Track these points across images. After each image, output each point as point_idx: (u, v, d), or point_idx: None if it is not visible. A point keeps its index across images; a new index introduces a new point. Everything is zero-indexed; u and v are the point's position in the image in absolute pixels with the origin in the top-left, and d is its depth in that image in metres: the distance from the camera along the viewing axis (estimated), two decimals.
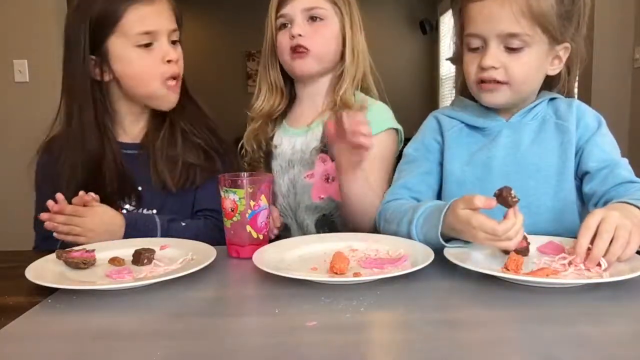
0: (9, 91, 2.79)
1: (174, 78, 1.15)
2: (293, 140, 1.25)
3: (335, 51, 1.22)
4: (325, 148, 1.20)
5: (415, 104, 5.47)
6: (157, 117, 1.20)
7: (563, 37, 0.98)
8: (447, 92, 5.75)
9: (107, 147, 1.14)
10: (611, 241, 0.76)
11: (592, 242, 0.77)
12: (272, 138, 1.28)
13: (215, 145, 1.21)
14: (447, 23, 5.68)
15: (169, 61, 1.13)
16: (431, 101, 6.11)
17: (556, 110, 1.06)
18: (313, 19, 1.19)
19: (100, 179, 1.12)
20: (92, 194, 1.03)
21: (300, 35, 1.17)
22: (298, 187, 1.24)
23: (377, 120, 1.16)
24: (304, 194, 1.23)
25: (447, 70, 5.69)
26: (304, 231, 1.24)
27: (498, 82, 0.98)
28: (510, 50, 0.96)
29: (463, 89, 1.10)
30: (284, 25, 1.21)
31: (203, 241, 0.96)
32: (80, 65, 1.10)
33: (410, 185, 1.06)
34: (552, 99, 1.07)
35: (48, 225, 1.00)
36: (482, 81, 0.99)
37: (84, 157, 1.12)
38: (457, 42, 1.08)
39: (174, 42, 1.16)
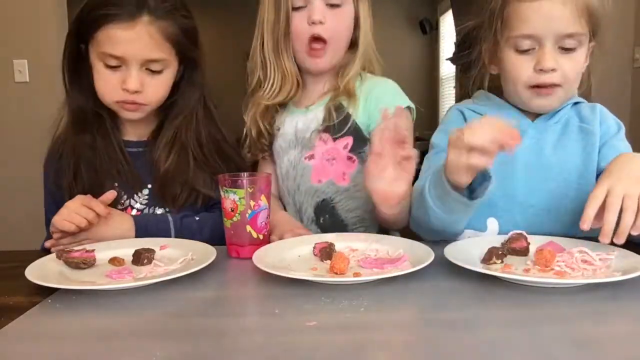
0: (9, 91, 2.79)
1: (133, 103, 1.09)
2: (295, 121, 1.23)
3: (349, 38, 1.19)
4: (325, 129, 1.17)
5: (415, 104, 5.46)
6: (161, 125, 1.17)
7: (596, 34, 0.98)
8: (447, 92, 5.75)
9: (109, 141, 1.13)
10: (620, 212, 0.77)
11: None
12: (274, 120, 1.25)
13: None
14: (447, 23, 5.68)
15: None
16: (431, 101, 6.10)
17: (579, 113, 1.06)
18: (332, 5, 1.13)
19: (106, 173, 1.11)
20: (100, 204, 1.00)
21: (321, 22, 1.12)
22: (298, 169, 1.22)
23: (388, 99, 1.17)
24: (304, 176, 1.21)
25: (447, 70, 5.68)
26: (301, 215, 1.23)
27: (554, 84, 0.96)
28: (565, 50, 0.95)
29: (480, 85, 1.09)
30: (300, 7, 1.13)
31: (220, 233, 0.96)
32: (74, 56, 1.11)
33: None
34: (575, 103, 1.07)
35: (55, 249, 0.98)
36: (538, 85, 0.97)
37: (85, 150, 1.11)
38: (485, 44, 1.04)
39: (153, 72, 1.08)
